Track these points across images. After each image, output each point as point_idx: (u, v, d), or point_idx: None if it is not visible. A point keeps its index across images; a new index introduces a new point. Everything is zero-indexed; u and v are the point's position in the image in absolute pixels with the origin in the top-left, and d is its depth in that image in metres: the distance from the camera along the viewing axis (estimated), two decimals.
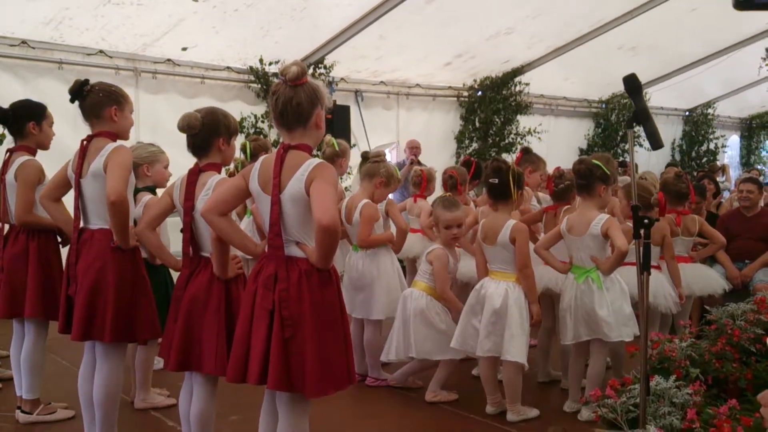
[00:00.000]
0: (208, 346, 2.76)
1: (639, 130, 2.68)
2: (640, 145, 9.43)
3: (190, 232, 2.85)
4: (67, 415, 3.72)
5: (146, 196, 3.80)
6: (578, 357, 3.92)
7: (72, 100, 3.13)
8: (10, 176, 3.64)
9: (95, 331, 3.03)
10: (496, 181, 3.79)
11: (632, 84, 2.70)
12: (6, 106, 3.76)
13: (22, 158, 3.65)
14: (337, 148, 4.51)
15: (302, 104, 2.43)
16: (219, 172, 2.91)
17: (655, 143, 2.66)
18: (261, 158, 2.57)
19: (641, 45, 9.97)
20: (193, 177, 2.85)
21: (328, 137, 4.50)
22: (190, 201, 2.82)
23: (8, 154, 3.71)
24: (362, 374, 4.37)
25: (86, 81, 3.14)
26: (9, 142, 3.95)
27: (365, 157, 4.59)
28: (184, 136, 2.87)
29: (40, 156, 3.75)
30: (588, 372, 3.83)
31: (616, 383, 2.96)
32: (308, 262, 2.41)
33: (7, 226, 3.80)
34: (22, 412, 3.64)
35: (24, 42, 6.30)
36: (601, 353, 3.79)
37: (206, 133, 2.85)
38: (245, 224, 5.24)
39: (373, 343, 4.34)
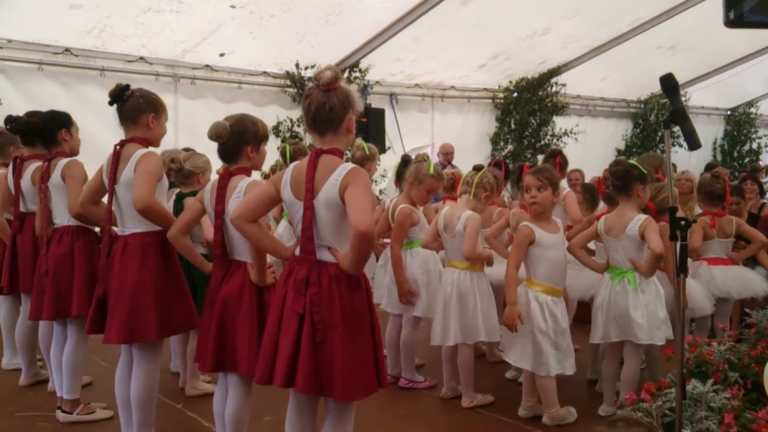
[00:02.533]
0: (242, 348, 2.80)
1: (677, 130, 2.64)
2: (680, 146, 9.29)
3: (221, 235, 2.89)
4: (106, 415, 3.80)
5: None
6: (612, 360, 3.87)
7: (111, 103, 3.18)
8: (55, 179, 3.72)
9: (139, 334, 3.09)
10: None
11: (669, 84, 2.65)
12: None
13: (64, 160, 3.74)
14: (367, 152, 4.56)
15: (335, 109, 2.43)
16: (249, 175, 2.94)
17: (693, 143, 2.61)
18: (291, 165, 2.58)
19: (681, 44, 9.79)
20: (223, 181, 2.89)
21: (359, 140, 4.56)
22: (221, 205, 2.86)
23: (46, 162, 3.81)
24: (396, 376, 4.39)
25: (127, 86, 3.20)
26: None
27: (406, 159, 4.63)
28: None
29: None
30: (622, 375, 3.77)
31: (651, 387, 2.91)
32: (338, 267, 2.41)
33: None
34: (63, 411, 3.74)
35: (67, 50, 6.51)
36: (635, 356, 3.73)
37: (235, 141, 2.89)
38: (282, 228, 5.31)
39: (410, 342, 4.33)
